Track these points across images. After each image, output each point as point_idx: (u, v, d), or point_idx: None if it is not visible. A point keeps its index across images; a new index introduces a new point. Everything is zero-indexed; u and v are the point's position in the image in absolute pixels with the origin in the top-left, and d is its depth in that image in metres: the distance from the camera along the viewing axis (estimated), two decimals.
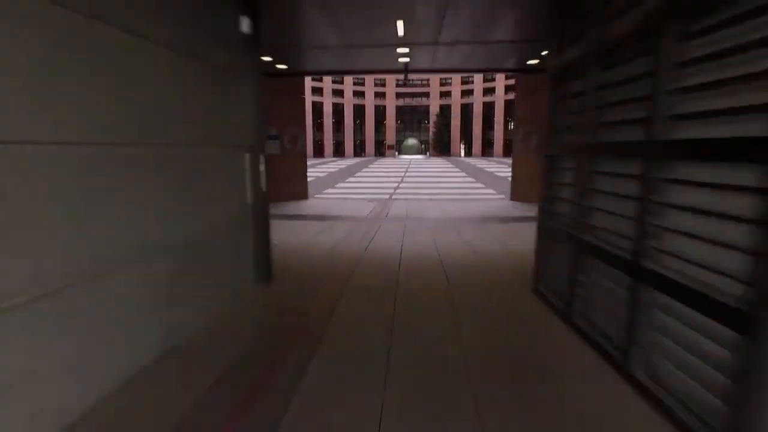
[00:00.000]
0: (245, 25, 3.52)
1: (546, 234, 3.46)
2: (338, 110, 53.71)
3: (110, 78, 2.09)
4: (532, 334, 2.87)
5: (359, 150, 56.00)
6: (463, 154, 53.83)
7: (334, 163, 34.82)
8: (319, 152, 52.25)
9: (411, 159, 43.66)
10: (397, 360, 2.47)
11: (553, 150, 3.32)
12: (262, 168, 3.81)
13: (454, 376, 2.29)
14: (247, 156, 3.64)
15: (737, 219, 1.59)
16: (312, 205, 9.51)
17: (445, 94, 55.05)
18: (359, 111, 55.10)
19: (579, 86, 2.88)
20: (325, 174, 21.77)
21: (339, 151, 54.37)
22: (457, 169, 25.91)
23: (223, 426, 1.86)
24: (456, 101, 54.02)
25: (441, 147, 53.81)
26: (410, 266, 4.45)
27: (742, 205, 1.56)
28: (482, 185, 16.07)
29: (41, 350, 1.75)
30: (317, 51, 6.85)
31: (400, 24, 5.39)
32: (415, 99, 56.43)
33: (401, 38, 5.99)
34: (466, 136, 53.48)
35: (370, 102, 55.23)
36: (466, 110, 53.34)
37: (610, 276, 2.46)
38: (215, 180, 3.20)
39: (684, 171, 1.88)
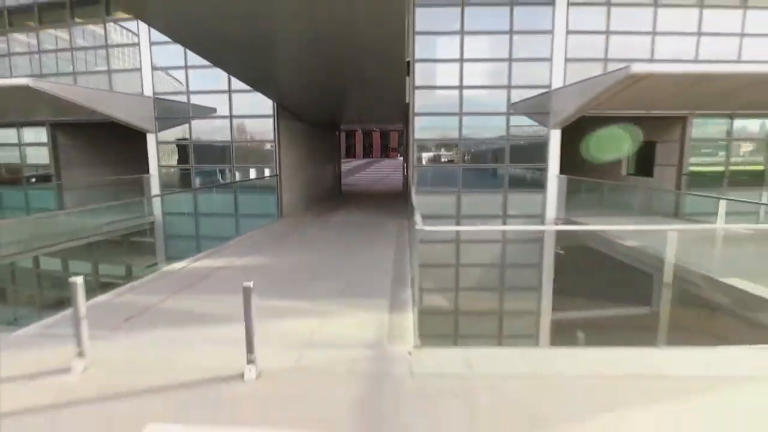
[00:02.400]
0: (338, 133, 15.36)
1: (404, 178, 15.15)
2: None
3: (313, 151, 13.92)
4: (400, 198, 14.57)
5: (368, 152, 67.02)
6: None
7: (350, 162, 46.62)
8: None
9: None
10: (369, 201, 14.18)
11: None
12: (340, 167, 15.64)
13: (376, 198, 14.05)
14: (336, 164, 15.50)
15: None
16: (347, 182, 21.31)
17: None
18: None
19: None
20: (347, 168, 33.58)
21: (350, 153, 65.81)
22: None
23: (329, 213, 13.39)
24: None
25: None
26: (381, 188, 16.20)
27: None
28: None
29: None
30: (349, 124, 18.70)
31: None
32: None
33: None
34: None
35: None
36: None
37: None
38: (329, 169, 14.98)
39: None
